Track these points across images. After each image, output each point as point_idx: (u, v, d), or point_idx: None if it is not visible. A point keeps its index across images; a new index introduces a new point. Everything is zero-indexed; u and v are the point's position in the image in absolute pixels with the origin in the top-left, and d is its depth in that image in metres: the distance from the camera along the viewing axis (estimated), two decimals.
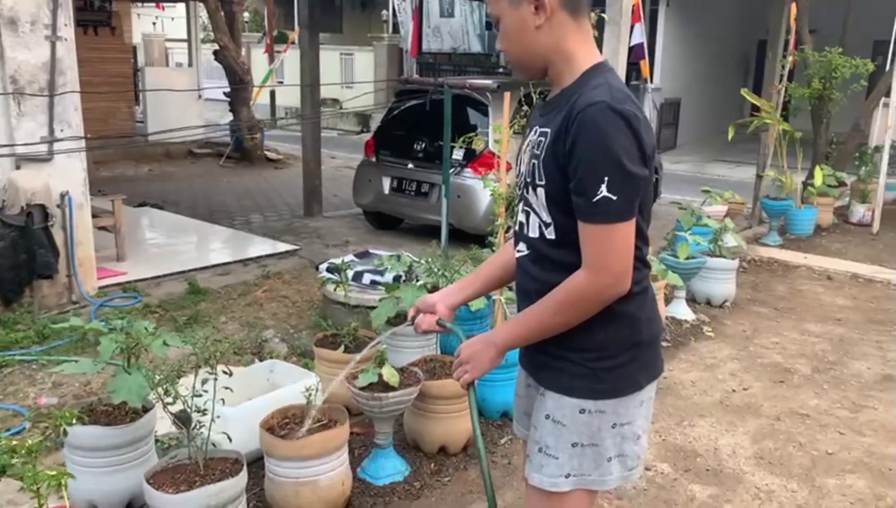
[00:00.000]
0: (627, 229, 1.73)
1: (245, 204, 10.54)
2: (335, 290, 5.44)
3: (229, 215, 9.81)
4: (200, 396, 2.62)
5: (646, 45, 10.25)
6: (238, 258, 7.74)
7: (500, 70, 14.33)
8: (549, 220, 1.83)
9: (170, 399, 2.65)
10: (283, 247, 8.15)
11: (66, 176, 6.21)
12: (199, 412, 2.61)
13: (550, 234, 1.84)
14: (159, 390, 2.65)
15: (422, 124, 8.26)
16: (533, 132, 1.89)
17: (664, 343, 5.72)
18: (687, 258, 6.09)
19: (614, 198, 1.68)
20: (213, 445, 2.73)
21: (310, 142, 9.73)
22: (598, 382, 1.83)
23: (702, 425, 4.46)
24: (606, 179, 1.67)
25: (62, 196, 6.14)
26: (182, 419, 3.19)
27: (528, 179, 1.85)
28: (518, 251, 1.96)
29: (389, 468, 3.43)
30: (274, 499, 3.02)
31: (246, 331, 5.83)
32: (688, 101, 17.85)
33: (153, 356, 3.15)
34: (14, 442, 2.59)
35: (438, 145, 7.99)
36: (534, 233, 1.88)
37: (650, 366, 1.92)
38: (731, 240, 6.84)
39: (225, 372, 2.66)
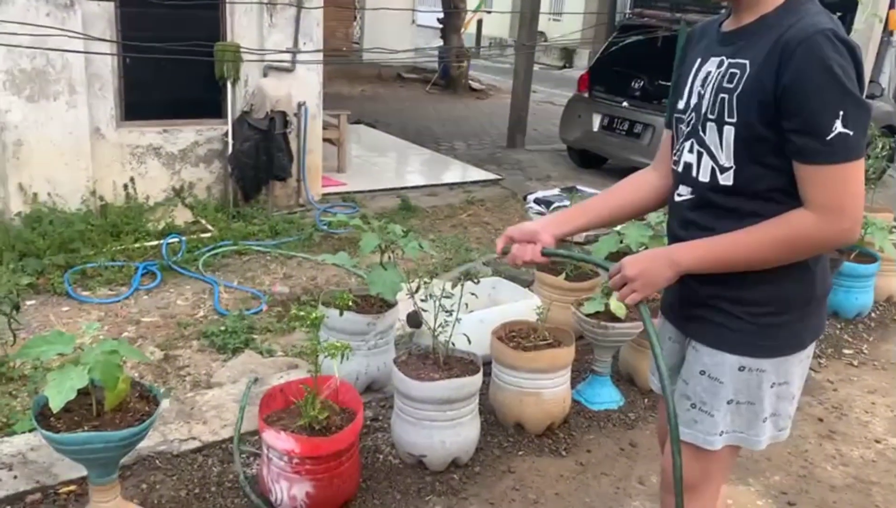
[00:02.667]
0: (861, 168, 1.57)
1: (449, 130, 10.81)
2: None
3: (435, 139, 10.11)
4: (450, 297, 2.79)
5: None
6: (444, 182, 8.01)
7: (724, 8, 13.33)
8: (728, 163, 1.66)
9: (421, 296, 2.85)
10: (486, 175, 8.31)
11: (305, 87, 6.67)
12: (446, 312, 2.78)
13: (727, 179, 1.67)
14: (412, 286, 2.85)
15: (643, 61, 7.95)
16: (712, 63, 1.71)
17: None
18: None
19: (851, 133, 1.52)
20: (452, 345, 2.90)
21: (521, 73, 9.71)
22: (762, 338, 1.71)
23: None
24: (842, 112, 1.51)
25: (299, 106, 6.62)
26: (416, 319, 3.42)
27: (711, 116, 1.67)
28: (678, 195, 1.80)
29: (605, 395, 3.50)
30: (497, 403, 3.20)
31: (453, 250, 6.06)
32: None
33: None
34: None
35: (658, 84, 7.67)
36: (704, 177, 1.71)
37: (816, 324, 1.80)
38: None
39: (474, 279, 2.81)
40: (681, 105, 1.79)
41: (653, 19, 8.20)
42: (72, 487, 2.54)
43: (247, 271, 5.61)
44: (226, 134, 6.40)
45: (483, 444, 3.05)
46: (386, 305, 3.34)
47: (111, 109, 5.95)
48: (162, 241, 5.65)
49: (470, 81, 14.46)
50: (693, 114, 1.73)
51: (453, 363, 2.92)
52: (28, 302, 4.63)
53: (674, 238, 1.83)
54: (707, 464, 1.83)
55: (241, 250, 5.88)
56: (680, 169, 1.78)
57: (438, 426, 2.79)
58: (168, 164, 6.34)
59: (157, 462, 2.73)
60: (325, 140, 7.40)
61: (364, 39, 14.69)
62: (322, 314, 2.56)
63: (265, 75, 6.47)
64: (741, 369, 1.73)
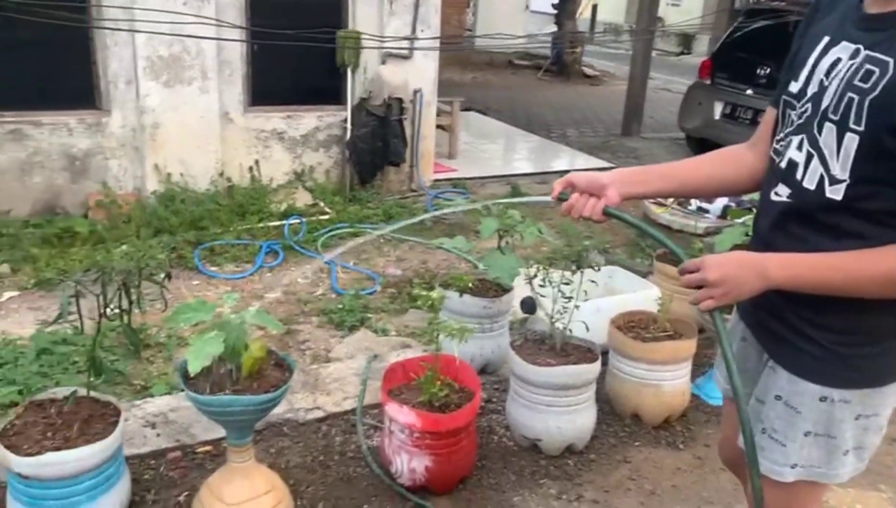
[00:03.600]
0: None
1: (561, 117, 10.70)
2: (657, 211, 5.34)
3: (546, 126, 10.03)
4: (569, 284, 2.78)
5: None
6: (555, 169, 7.93)
7: None
8: (842, 176, 1.39)
9: (539, 282, 2.85)
10: (599, 163, 8.17)
11: (421, 74, 6.77)
12: (565, 299, 2.78)
13: (835, 193, 1.41)
14: (530, 272, 2.86)
15: (770, 48, 7.58)
16: (844, 49, 1.44)
17: None
18: None
19: None
20: (570, 331, 2.89)
21: (640, 59, 9.48)
22: (849, 370, 1.52)
23: None
24: None
25: (415, 92, 6.72)
26: (530, 305, 3.42)
27: (833, 116, 1.41)
28: (776, 195, 1.55)
29: None
30: (614, 392, 3.17)
31: (565, 239, 6.01)
32: None
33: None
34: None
35: None
36: (810, 183, 1.46)
37: None
38: None
39: (594, 267, 2.79)
40: (794, 88, 1.53)
41: (783, 2, 7.80)
42: (208, 447, 2.72)
43: (362, 253, 5.77)
44: (345, 120, 6.59)
45: (598, 432, 3.03)
46: (501, 289, 3.37)
47: (239, 94, 6.25)
48: (284, 222, 5.91)
49: (583, 68, 14.23)
50: (809, 105, 1.47)
51: (570, 350, 2.91)
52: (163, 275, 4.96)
53: (759, 239, 1.63)
54: (779, 499, 1.63)
55: (357, 232, 6.06)
56: (783, 165, 1.53)
57: (555, 412, 2.79)
58: (290, 148, 6.60)
59: (285, 429, 2.88)
60: (437, 126, 7.49)
61: (477, 26, 14.71)
62: (443, 295, 2.61)
63: (383, 62, 6.60)
64: (823, 399, 1.54)
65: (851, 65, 1.39)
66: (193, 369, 2.00)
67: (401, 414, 2.48)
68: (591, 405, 2.92)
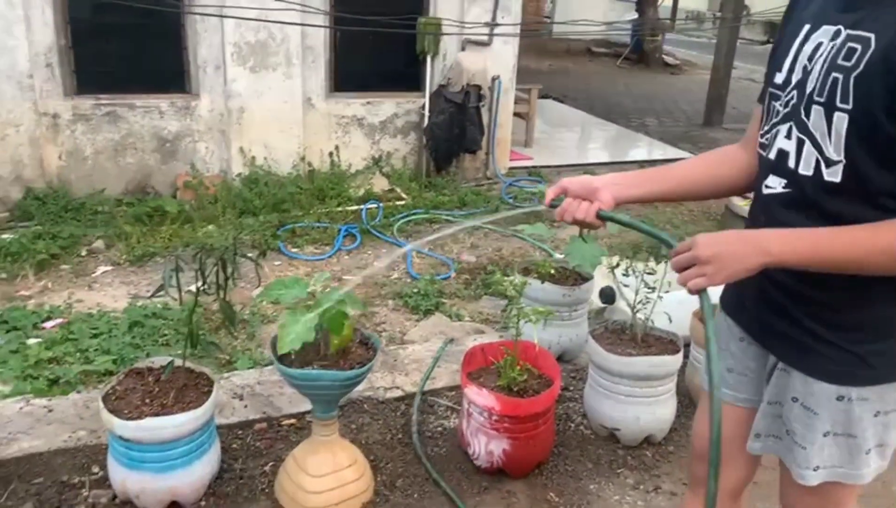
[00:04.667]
0: None
1: (641, 106, 10.49)
2: (742, 204, 5.20)
3: (625, 115, 9.86)
4: (653, 274, 2.75)
5: None
6: (633, 159, 7.81)
7: None
8: (838, 157, 1.36)
9: (622, 272, 2.83)
10: (679, 153, 7.99)
11: (499, 61, 6.75)
12: (649, 289, 2.74)
13: (833, 175, 1.37)
14: (613, 261, 2.83)
15: None
16: (825, 32, 1.41)
17: None
18: None
19: None
20: (651, 322, 2.86)
21: (724, 48, 9.21)
22: (864, 367, 1.46)
23: None
24: None
25: (493, 80, 6.70)
26: (610, 295, 3.39)
27: (818, 98, 1.37)
28: (767, 187, 1.50)
29: None
30: (695, 386, 3.12)
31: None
32: None
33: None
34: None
35: None
36: (806, 169, 1.41)
37: None
38: None
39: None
40: (779, 79, 1.49)
41: None
42: (292, 420, 2.81)
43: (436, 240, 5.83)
44: (423, 107, 6.64)
45: (677, 425, 2.99)
46: (581, 278, 3.35)
47: (322, 80, 6.37)
48: (361, 206, 6.01)
49: (664, 56, 13.90)
50: (794, 92, 1.44)
51: (651, 341, 2.87)
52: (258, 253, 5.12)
53: None
54: (814, 503, 1.60)
55: (432, 219, 6.12)
56: (771, 156, 1.49)
57: (634, 402, 2.77)
58: (369, 134, 6.69)
59: (365, 406, 2.95)
60: (514, 114, 7.46)
61: (556, 13, 14.55)
62: (525, 281, 2.61)
63: (463, 49, 6.62)
64: (840, 398, 1.49)
65: (833, 46, 1.37)
66: (282, 349, 2.05)
67: (480, 397, 2.51)
68: (671, 396, 2.88)
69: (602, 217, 1.59)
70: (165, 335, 3.99)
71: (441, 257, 5.35)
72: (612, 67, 13.65)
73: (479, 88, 6.52)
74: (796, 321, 1.49)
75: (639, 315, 2.85)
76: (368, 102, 6.61)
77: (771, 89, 1.52)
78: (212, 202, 5.76)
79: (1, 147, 5.56)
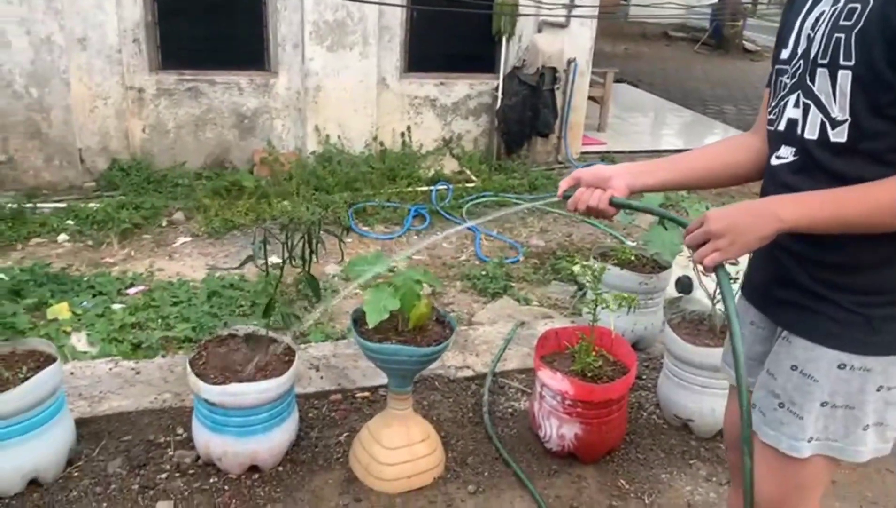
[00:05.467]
0: None
1: (719, 93, 10.19)
2: None
3: (702, 101, 9.60)
4: (736, 264, 2.68)
5: None
6: None
7: None
8: (843, 116, 1.34)
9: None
10: None
11: (576, 44, 6.66)
12: (731, 280, 2.67)
13: (839, 136, 1.35)
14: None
15: None
16: (825, 2, 1.40)
17: None
18: None
19: None
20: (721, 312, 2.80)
21: None
22: (871, 333, 1.40)
23: None
24: None
25: (569, 62, 6.62)
26: (686, 285, 3.32)
27: (822, 60, 1.36)
28: (777, 158, 1.48)
29: None
30: None
31: None
32: None
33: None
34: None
35: None
36: (811, 133, 1.40)
37: None
38: None
39: None
40: (785, 54, 1.48)
41: None
42: (366, 393, 2.86)
43: (505, 222, 5.81)
44: (496, 88, 6.61)
45: None
46: (658, 266, 3.29)
47: (397, 60, 6.40)
48: (431, 187, 6.05)
49: (744, 42, 13.45)
50: (800, 62, 1.43)
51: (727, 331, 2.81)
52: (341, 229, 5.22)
53: None
54: (794, 476, 1.54)
55: (501, 202, 6.10)
56: (781, 127, 1.47)
57: (710, 393, 2.72)
58: (441, 115, 6.70)
59: (437, 383, 2.98)
60: (588, 98, 7.36)
61: None
62: (604, 267, 2.58)
63: (539, 31, 6.54)
64: (841, 366, 1.44)
65: (835, 10, 1.37)
66: (371, 321, 2.11)
67: (554, 381, 2.50)
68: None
69: (615, 204, 1.59)
70: (242, 305, 4.11)
71: (510, 240, 5.34)
72: (690, 53, 13.28)
73: (554, 70, 6.45)
74: (802, 285, 1.47)
75: (718, 306, 2.79)
76: (441, 83, 6.61)
77: (778, 66, 1.51)
78: (287, 179, 5.88)
79: (90, 119, 5.79)
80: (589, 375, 2.57)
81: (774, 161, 1.49)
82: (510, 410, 2.87)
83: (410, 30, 6.39)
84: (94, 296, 4.12)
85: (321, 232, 2.34)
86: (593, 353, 2.59)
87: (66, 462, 2.37)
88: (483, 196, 6.07)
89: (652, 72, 11.27)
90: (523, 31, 6.51)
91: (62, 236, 5.00)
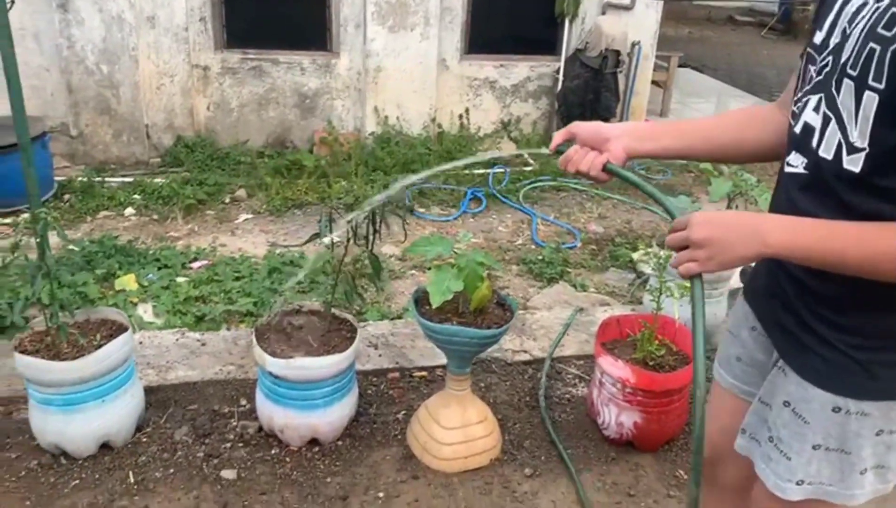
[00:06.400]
0: None
1: (785, 79, 9.78)
2: None
3: (768, 88, 9.32)
4: None
5: None
6: None
7: None
8: (862, 144, 1.16)
9: None
10: None
11: (641, 26, 6.52)
12: None
13: (853, 164, 1.17)
14: None
15: None
16: None
17: None
18: None
19: None
20: None
21: None
22: (870, 379, 1.27)
23: None
24: None
25: (633, 45, 6.49)
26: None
27: (851, 71, 1.16)
28: (789, 165, 1.31)
29: None
30: None
31: None
32: None
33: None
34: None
35: None
36: (826, 152, 1.22)
37: None
38: None
39: None
40: (818, 38, 1.27)
41: None
42: (423, 373, 2.89)
43: (563, 207, 5.76)
44: (557, 71, 6.52)
45: None
46: None
47: (457, 41, 6.37)
48: (488, 170, 6.02)
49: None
50: (830, 58, 1.22)
51: None
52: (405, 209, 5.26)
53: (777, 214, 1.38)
54: None
55: (559, 187, 6.05)
56: (797, 129, 1.29)
57: None
58: (500, 97, 6.66)
59: (493, 366, 2.98)
60: (651, 82, 7.21)
61: None
62: (670, 254, 2.54)
63: (603, 13, 6.43)
64: (836, 409, 1.30)
65: (878, 8, 1.14)
66: (435, 302, 2.12)
67: (615, 368, 2.48)
68: None
69: (609, 170, 1.45)
70: (300, 282, 4.18)
71: (567, 225, 5.29)
72: (756, 37, 12.88)
73: (617, 53, 6.34)
74: (799, 315, 1.34)
75: None
76: (502, 65, 6.56)
77: (809, 50, 1.30)
78: (345, 159, 5.94)
79: (157, 96, 5.93)
80: (650, 364, 2.53)
81: (786, 167, 1.33)
82: (567, 396, 2.86)
83: (472, 11, 6.35)
84: (159, 269, 4.24)
85: (386, 212, 2.35)
86: (656, 342, 2.55)
87: (135, 427, 2.45)
88: (540, 180, 6.03)
89: (716, 57, 10.98)
90: (587, 13, 6.41)
91: (129, 210, 5.16)
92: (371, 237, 2.36)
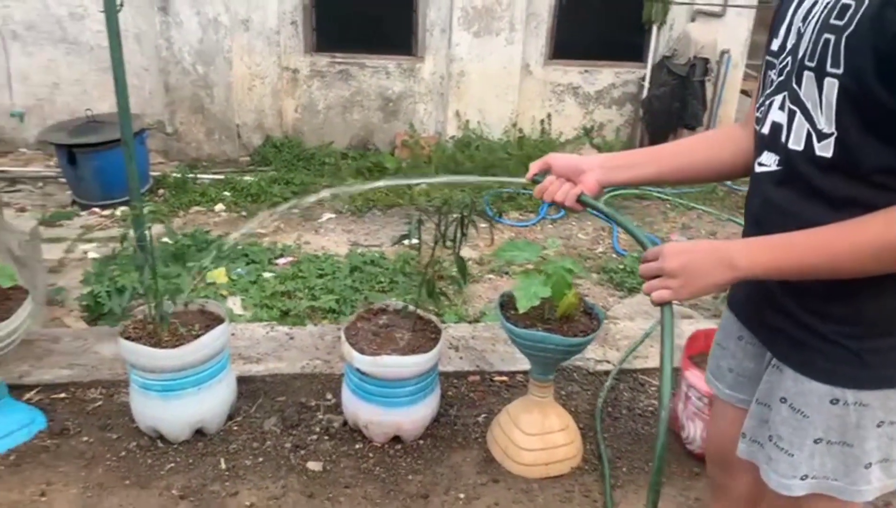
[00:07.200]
0: None
1: None
2: None
3: None
4: None
5: None
6: None
7: None
8: (829, 129, 1.19)
9: None
10: None
11: (731, 34, 6.37)
12: None
13: (825, 150, 1.20)
14: None
15: None
16: None
17: None
18: None
19: None
20: None
21: None
22: (863, 367, 1.27)
23: None
24: None
25: (722, 53, 6.34)
26: None
27: (809, 63, 1.20)
28: (760, 165, 1.34)
29: None
30: None
31: None
32: None
33: None
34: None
35: None
36: (796, 144, 1.25)
37: None
38: None
39: None
40: (775, 45, 1.32)
41: None
42: (504, 377, 2.89)
43: (646, 216, 5.68)
44: (643, 78, 6.43)
45: None
46: None
47: (542, 46, 6.37)
48: None
49: None
50: (788, 59, 1.27)
51: None
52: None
53: (751, 217, 1.40)
54: None
55: (642, 195, 5.96)
56: (765, 131, 1.32)
57: None
58: (583, 103, 6.61)
59: (575, 375, 2.96)
60: (741, 91, 7.02)
61: None
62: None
63: (692, 20, 6.31)
64: (834, 401, 1.30)
65: (827, 4, 1.21)
66: (522, 307, 2.13)
67: (702, 382, 2.43)
68: None
69: (582, 202, 1.52)
70: (381, 281, 4.25)
71: (650, 235, 5.21)
72: None
73: (706, 61, 6.21)
74: (789, 312, 1.35)
75: None
76: (586, 71, 6.52)
77: (767, 58, 1.35)
78: (426, 162, 6.01)
79: (248, 97, 6.14)
80: None
81: (758, 168, 1.36)
82: (651, 408, 2.81)
83: (558, 16, 6.33)
84: (247, 264, 4.40)
85: (474, 216, 2.38)
86: None
87: (227, 416, 2.55)
88: (623, 187, 5.96)
89: None
90: (675, 20, 6.30)
91: (219, 206, 5.36)
92: (459, 240, 2.38)
